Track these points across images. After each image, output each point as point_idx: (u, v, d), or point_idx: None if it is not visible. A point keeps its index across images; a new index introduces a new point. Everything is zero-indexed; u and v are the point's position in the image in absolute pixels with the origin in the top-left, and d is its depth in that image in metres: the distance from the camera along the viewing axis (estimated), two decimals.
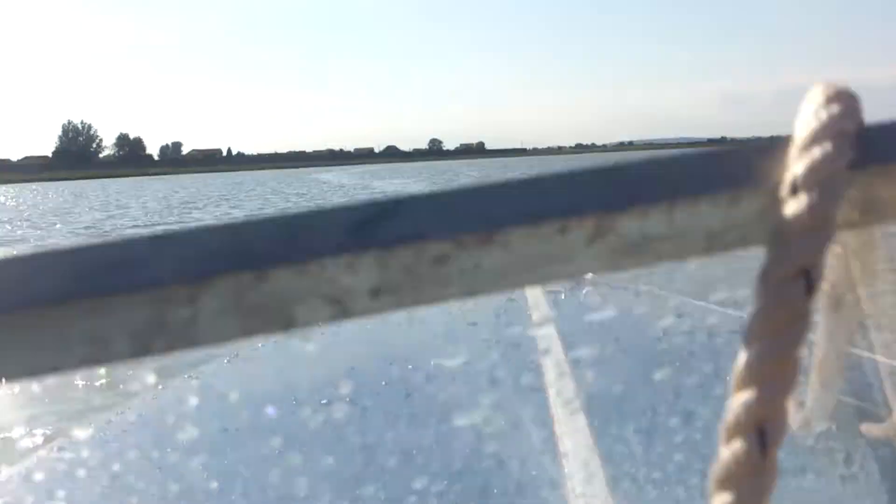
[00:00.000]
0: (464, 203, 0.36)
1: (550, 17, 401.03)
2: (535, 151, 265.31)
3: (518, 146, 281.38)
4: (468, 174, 56.33)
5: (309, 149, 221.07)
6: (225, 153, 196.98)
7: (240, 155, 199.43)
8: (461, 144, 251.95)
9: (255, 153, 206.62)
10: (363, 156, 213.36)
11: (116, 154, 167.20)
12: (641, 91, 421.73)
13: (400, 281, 0.35)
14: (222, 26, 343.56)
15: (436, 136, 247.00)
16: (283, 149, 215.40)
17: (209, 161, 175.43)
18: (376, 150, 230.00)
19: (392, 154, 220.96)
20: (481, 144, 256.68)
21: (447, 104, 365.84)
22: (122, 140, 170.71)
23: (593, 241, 0.36)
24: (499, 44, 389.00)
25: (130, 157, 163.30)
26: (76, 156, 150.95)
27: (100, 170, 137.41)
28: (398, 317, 0.54)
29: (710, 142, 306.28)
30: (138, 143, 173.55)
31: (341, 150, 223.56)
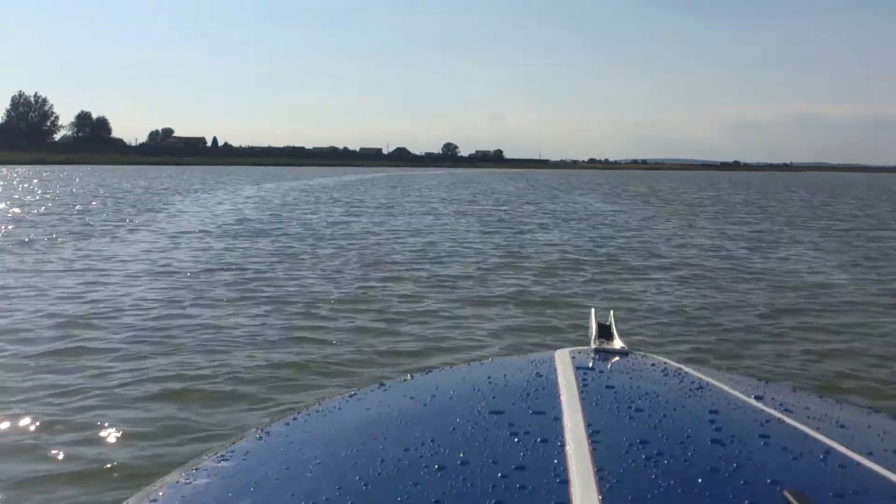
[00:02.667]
0: None
1: (569, 31, 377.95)
2: (552, 164, 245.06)
3: (536, 157, 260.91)
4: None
5: (309, 145, 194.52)
6: (210, 143, 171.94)
7: (227, 146, 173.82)
8: (477, 151, 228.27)
9: (245, 145, 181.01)
10: (370, 156, 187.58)
11: (75, 135, 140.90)
12: (652, 113, 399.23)
13: None
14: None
15: (451, 142, 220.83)
16: (281, 143, 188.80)
17: (190, 150, 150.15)
18: (385, 152, 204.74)
19: (402, 157, 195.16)
20: (499, 152, 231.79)
21: (463, 111, 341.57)
22: (83, 119, 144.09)
23: None
24: (515, 55, 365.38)
25: (91, 140, 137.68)
26: (24, 134, 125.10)
27: (54, 152, 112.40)
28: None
29: (724, 165, 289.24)
30: (103, 125, 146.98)
31: (345, 148, 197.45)
